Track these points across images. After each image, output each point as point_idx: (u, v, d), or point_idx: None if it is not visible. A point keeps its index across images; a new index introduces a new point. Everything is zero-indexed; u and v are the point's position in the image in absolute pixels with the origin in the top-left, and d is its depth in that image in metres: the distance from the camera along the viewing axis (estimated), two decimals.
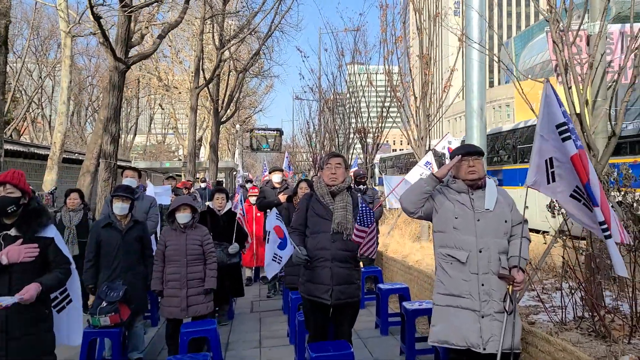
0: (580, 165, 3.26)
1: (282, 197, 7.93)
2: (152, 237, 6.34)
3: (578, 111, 7.22)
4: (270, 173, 8.36)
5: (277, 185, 8.21)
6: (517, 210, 3.64)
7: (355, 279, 4.21)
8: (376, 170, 30.48)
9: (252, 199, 9.15)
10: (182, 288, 5.30)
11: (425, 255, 9.34)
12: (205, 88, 21.89)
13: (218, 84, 21.28)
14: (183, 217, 5.42)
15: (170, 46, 29.62)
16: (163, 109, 34.80)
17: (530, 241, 3.61)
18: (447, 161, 6.80)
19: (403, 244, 9.26)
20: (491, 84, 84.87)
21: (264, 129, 40.29)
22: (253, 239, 8.86)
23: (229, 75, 22.27)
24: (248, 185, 14.24)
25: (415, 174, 8.12)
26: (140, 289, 5.36)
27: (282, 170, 8.35)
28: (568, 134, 3.28)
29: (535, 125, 3.56)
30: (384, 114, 15.86)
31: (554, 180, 3.41)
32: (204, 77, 16.55)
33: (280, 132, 39.89)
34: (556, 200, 3.63)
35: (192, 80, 29.13)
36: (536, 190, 3.50)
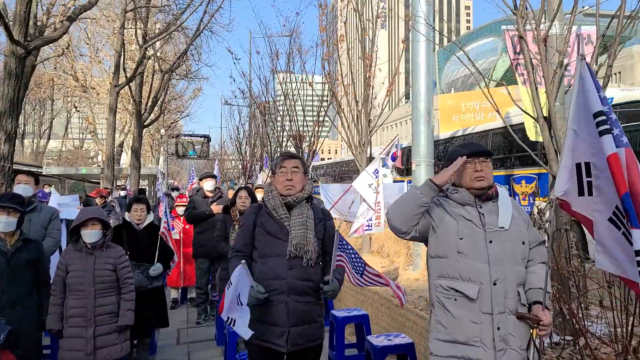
0: (619, 170, 2.44)
1: (216, 208, 6.83)
2: (54, 259, 5.07)
3: (545, 114, 6.67)
4: (200, 180, 7.22)
5: (209, 194, 7.08)
6: (533, 227, 2.81)
7: (318, 316, 3.23)
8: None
9: (180, 210, 7.95)
10: (87, 326, 4.09)
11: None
12: (127, 89, 20.20)
13: (141, 84, 19.66)
14: (91, 234, 4.22)
15: (88, 44, 27.43)
16: (78, 110, 32.18)
17: (549, 267, 2.79)
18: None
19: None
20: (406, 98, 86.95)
21: (190, 135, 38.55)
22: (180, 255, 7.67)
23: (153, 76, 20.66)
24: (174, 194, 12.87)
25: (363, 183, 7.25)
26: (32, 329, 4.12)
27: (214, 177, 7.24)
28: (607, 126, 2.45)
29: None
30: (321, 119, 15.03)
31: (590, 194, 2.55)
32: (125, 76, 15.02)
33: (207, 138, 38.30)
34: (591, 230, 2.65)
35: (112, 80, 27.15)
36: (567, 203, 2.64)
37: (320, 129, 15.06)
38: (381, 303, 5.76)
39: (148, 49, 15.04)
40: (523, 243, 2.66)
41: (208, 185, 7.05)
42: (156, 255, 5.45)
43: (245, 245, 3.23)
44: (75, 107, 30.80)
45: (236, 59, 19.93)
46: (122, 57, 14.80)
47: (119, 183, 23.40)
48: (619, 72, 53.07)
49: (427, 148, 9.28)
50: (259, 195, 9.75)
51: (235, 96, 29.91)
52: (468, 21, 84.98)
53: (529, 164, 11.11)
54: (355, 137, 11.41)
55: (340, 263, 3.75)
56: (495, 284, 2.54)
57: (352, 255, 4.21)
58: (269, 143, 20.30)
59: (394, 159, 7.60)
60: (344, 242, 4.49)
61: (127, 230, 5.48)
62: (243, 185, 5.77)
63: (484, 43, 65.21)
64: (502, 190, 2.75)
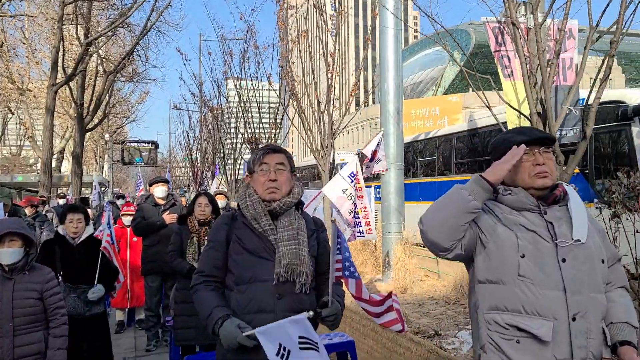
0: None
1: (169, 218, 5.92)
2: None
3: (536, 110, 6.13)
4: (150, 186, 6.26)
5: (160, 202, 6.14)
6: (607, 239, 2.12)
7: None
8: None
9: (126, 220, 6.95)
10: None
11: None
12: (68, 91, 18.73)
13: (83, 85, 18.26)
14: (7, 254, 3.26)
15: (24, 43, 25.55)
16: (12, 113, 30.00)
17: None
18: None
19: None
20: (365, 104, 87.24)
21: (137, 142, 36.94)
22: (127, 272, 6.67)
23: (96, 77, 19.26)
24: (120, 202, 11.70)
25: (335, 189, 6.46)
26: None
27: (167, 182, 6.29)
28: None
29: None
30: (278, 122, 14.21)
31: None
32: (65, 74, 13.70)
33: (155, 145, 36.76)
34: None
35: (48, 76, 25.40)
36: None
37: (278, 132, 14.25)
38: (363, 324, 5.02)
39: (91, 46, 13.78)
40: (603, 261, 1.96)
41: (159, 191, 6.10)
42: (96, 274, 4.49)
43: (217, 267, 2.40)
44: (10, 110, 28.58)
45: (186, 59, 18.92)
46: (60, 53, 13.48)
47: (60, 191, 21.71)
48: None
49: (397, 150, 8.66)
50: (220, 202, 8.90)
51: (185, 100, 28.74)
52: (415, 30, 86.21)
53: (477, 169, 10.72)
54: (318, 140, 10.69)
55: (340, 274, 3.04)
56: (574, 319, 1.83)
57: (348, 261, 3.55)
58: (221, 148, 19.30)
59: (369, 162, 6.80)
60: (343, 238, 3.77)
61: (61, 245, 4.50)
62: (202, 191, 4.88)
63: (432, 52, 66.14)
64: (571, 190, 2.04)
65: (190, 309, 4.39)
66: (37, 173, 29.72)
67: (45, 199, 10.91)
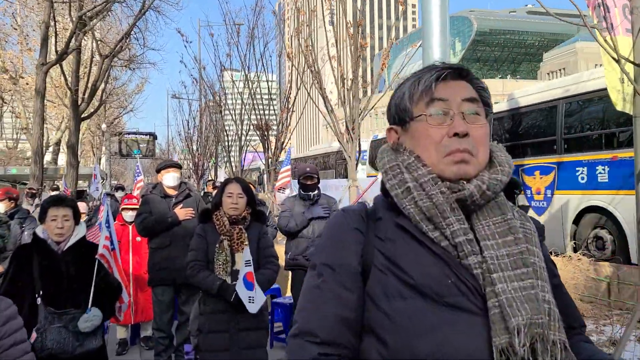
0: None
1: (183, 213, 4.59)
2: None
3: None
4: (158, 172, 4.90)
5: (171, 192, 4.79)
6: None
7: None
8: (265, 177, 27.23)
9: (128, 215, 5.61)
10: None
11: None
12: (62, 77, 17.31)
13: (78, 70, 16.82)
14: None
15: (16, 29, 24.02)
16: (6, 103, 28.49)
17: None
18: None
19: None
20: (364, 93, 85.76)
21: (135, 133, 35.72)
22: (130, 280, 5.35)
23: (91, 61, 17.84)
24: (119, 194, 10.33)
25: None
26: None
27: (179, 167, 4.94)
28: None
29: None
30: (290, 105, 12.84)
31: None
32: (56, 52, 12.25)
33: (153, 136, 35.54)
34: None
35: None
36: None
37: (289, 116, 12.88)
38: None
39: (82, 20, 12.32)
40: None
41: (170, 178, 4.74)
42: (91, 294, 3.17)
43: (346, 326, 1.08)
44: (3, 100, 27.07)
45: (187, 42, 17.47)
46: (50, 30, 12.05)
47: (57, 184, 20.32)
48: (564, 69, 53.62)
49: None
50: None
51: (185, 86, 27.18)
52: (414, 19, 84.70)
53: (544, 152, 9.35)
54: (344, 123, 9.35)
55: None
56: None
57: None
58: (225, 136, 17.91)
59: None
60: None
61: (40, 253, 3.17)
62: (232, 177, 3.54)
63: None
64: None
65: (221, 339, 3.09)
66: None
67: (34, 191, 9.55)
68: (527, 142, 9.89)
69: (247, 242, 3.30)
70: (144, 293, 5.41)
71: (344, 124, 9.30)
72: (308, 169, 4.93)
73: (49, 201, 3.25)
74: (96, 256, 3.29)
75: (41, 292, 3.08)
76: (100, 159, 38.01)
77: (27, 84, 21.80)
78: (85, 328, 3.05)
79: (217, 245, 3.30)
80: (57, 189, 10.58)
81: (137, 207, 5.35)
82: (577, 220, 8.75)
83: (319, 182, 4.97)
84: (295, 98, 12.61)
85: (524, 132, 10.05)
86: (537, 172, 9.50)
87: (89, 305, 3.13)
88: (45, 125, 29.56)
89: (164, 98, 53.98)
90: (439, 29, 7.29)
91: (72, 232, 3.24)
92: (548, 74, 56.08)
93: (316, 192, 4.95)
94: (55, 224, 3.16)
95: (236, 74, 15.88)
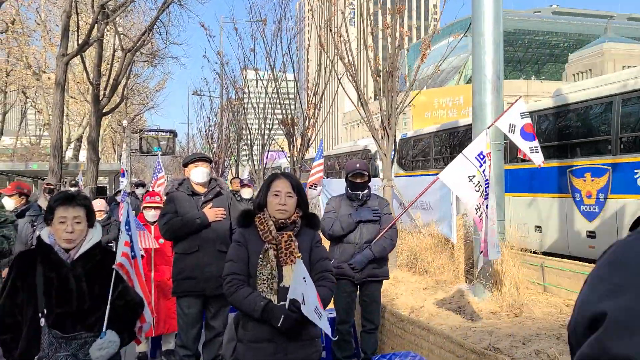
0: None
1: (213, 213, 3.97)
2: None
3: None
4: (185, 167, 4.27)
5: (199, 190, 4.17)
6: None
7: None
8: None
9: (150, 214, 5.01)
10: None
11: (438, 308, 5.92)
12: (84, 73, 16.89)
13: (99, 64, 16.39)
14: None
15: (39, 24, 23.79)
16: (27, 97, 28.34)
17: None
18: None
19: (413, 290, 5.67)
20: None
21: (155, 130, 35.56)
22: (151, 288, 4.75)
23: (113, 55, 17.42)
24: (140, 192, 9.78)
25: (458, 176, 4.42)
26: None
27: (209, 161, 4.31)
28: None
29: None
30: (317, 101, 12.18)
31: None
32: (78, 43, 11.73)
33: (174, 133, 35.33)
34: None
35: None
36: None
37: (317, 112, 12.22)
38: (441, 345, 3.08)
39: (105, 9, 11.79)
40: None
41: (199, 174, 4.12)
42: (106, 314, 2.55)
43: None
44: (25, 94, 26.92)
45: (210, 36, 16.92)
46: (72, 20, 11.55)
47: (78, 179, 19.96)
48: (590, 70, 52.18)
49: (496, 130, 6.59)
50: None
51: (207, 82, 26.66)
52: (435, 19, 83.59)
53: (596, 152, 8.55)
54: (376, 118, 8.68)
55: None
56: None
57: None
58: (248, 132, 17.33)
59: (528, 136, 4.73)
60: None
61: (45, 261, 2.56)
62: (280, 172, 2.87)
63: (454, 40, 63.72)
64: None
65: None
66: None
67: (52, 187, 9.04)
68: (576, 141, 9.07)
69: (298, 253, 2.66)
70: (167, 301, 4.80)
71: (379, 119, 8.62)
72: (358, 165, 4.27)
73: (57, 199, 2.64)
74: (114, 266, 2.68)
75: (45, 311, 2.48)
76: (120, 156, 37.85)
77: (49, 79, 21.50)
78: (99, 358, 2.44)
79: (260, 256, 2.65)
80: (76, 184, 10.06)
81: (161, 205, 4.76)
82: (634, 228, 7.96)
83: (369, 180, 4.31)
84: (323, 93, 11.95)
85: (572, 130, 9.25)
86: (587, 174, 8.69)
87: (104, 328, 2.52)
88: (67, 121, 29.46)
89: (185, 95, 53.82)
90: (492, 15, 6.57)
91: (85, 237, 2.63)
92: (574, 75, 54.65)
93: (366, 191, 4.29)
94: (64, 227, 2.55)
95: (260, 72, 15.27)
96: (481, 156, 4.37)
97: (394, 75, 8.22)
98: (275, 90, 13.76)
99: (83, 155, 33.61)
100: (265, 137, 16.07)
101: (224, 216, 4.08)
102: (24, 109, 46.25)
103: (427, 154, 14.02)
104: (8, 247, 3.80)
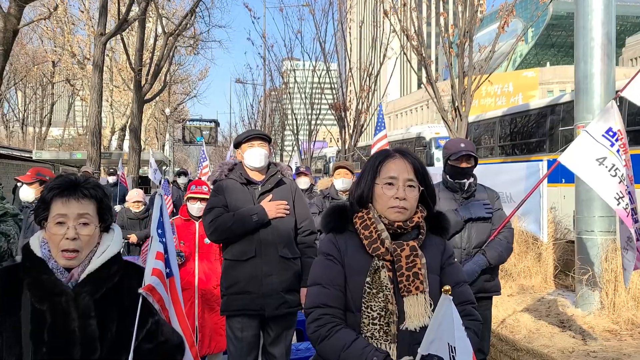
0: None
1: (274, 208, 3.03)
2: None
3: None
4: (238, 147, 3.29)
5: (256, 177, 3.19)
6: None
7: None
8: (332, 165, 25.53)
9: (196, 208, 4.07)
10: None
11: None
12: (125, 57, 16.32)
13: (141, 49, 15.75)
14: None
15: (82, 11, 23.51)
16: (72, 85, 28.26)
17: None
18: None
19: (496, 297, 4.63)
20: (419, 84, 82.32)
21: (198, 120, 35.49)
22: (195, 297, 3.85)
23: (155, 40, 16.80)
24: (182, 181, 8.95)
25: (583, 158, 3.31)
26: None
27: (267, 139, 3.31)
28: None
29: None
30: (371, 82, 11.08)
31: None
32: (118, 17, 10.87)
33: (216, 123, 35.19)
34: None
35: (111, 50, 23.21)
36: None
37: (372, 94, 11.13)
38: None
39: None
40: None
41: (256, 156, 3.13)
42: (132, 345, 1.61)
43: None
44: (70, 83, 26.84)
45: (255, 17, 16.01)
46: None
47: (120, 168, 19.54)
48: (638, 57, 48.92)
49: (605, 100, 5.37)
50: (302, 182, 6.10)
51: (250, 68, 25.95)
52: (480, 5, 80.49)
53: None
54: (448, 99, 7.56)
55: None
56: None
57: None
58: (293, 119, 16.39)
59: None
60: None
61: (35, 286, 1.63)
62: (393, 150, 1.83)
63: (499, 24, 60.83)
64: None
65: None
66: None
67: (89, 174, 8.32)
68: None
69: (425, 276, 1.65)
70: (213, 314, 3.88)
71: (450, 99, 7.52)
72: (463, 145, 3.20)
73: (53, 187, 1.69)
74: (140, 290, 1.73)
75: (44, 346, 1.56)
76: (163, 146, 37.78)
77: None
78: None
79: (367, 280, 1.65)
80: (115, 172, 9.37)
81: (207, 196, 3.83)
82: None
83: (476, 165, 3.24)
84: (378, 73, 10.86)
85: None
86: None
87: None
88: (111, 111, 29.33)
89: (228, 83, 53.74)
90: None
91: (96, 248, 1.69)
92: (631, 59, 51.30)
93: (472, 180, 3.22)
94: (64, 230, 1.62)
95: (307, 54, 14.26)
96: (611, 133, 3.23)
97: (470, 46, 7.07)
98: (323, 74, 12.73)
99: (127, 145, 33.57)
100: (312, 123, 15.09)
101: (288, 211, 3.11)
102: (71, 100, 46.95)
103: (491, 141, 12.73)
104: (7, 247, 2.95)
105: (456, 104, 7.35)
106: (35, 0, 12.54)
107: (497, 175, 7.47)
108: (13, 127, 45.89)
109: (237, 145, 3.29)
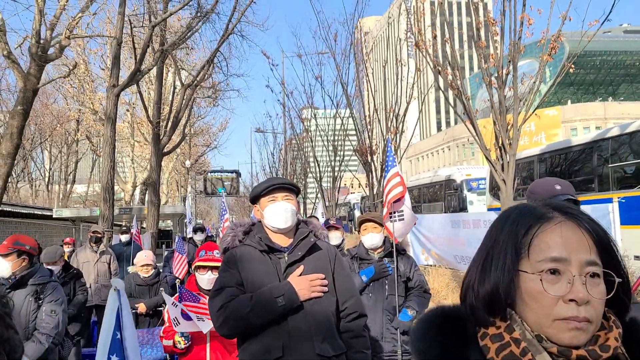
0: None
1: (307, 285, 2.10)
2: None
3: None
4: (255, 201, 2.44)
5: (281, 241, 2.32)
6: None
7: None
8: (356, 213, 24.60)
9: (205, 280, 3.19)
10: None
11: None
12: (144, 113, 15.98)
13: (159, 102, 15.37)
14: None
15: (103, 69, 23.58)
16: (92, 142, 28.23)
17: None
18: None
19: None
20: (448, 124, 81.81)
21: (219, 171, 35.20)
22: None
23: (173, 92, 16.46)
24: (199, 237, 8.11)
25: None
26: None
27: (296, 190, 2.45)
28: None
29: None
30: (398, 122, 10.30)
31: None
32: (136, 63, 10.35)
33: (237, 174, 34.80)
34: None
35: (131, 105, 23.08)
36: None
37: (399, 135, 10.34)
38: None
39: (157, 28, 10.56)
40: None
41: (280, 213, 2.22)
42: None
43: None
44: (89, 139, 26.78)
45: (273, 65, 15.60)
46: (122, 48, 10.43)
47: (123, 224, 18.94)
48: None
49: None
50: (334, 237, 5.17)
51: (269, 116, 25.60)
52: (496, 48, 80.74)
53: None
54: (492, 135, 6.70)
55: None
56: None
57: None
58: (316, 165, 15.66)
59: None
60: None
61: None
62: (542, 207, 0.99)
63: (520, 65, 60.61)
64: None
65: None
66: (120, 206, 27.77)
67: (100, 235, 7.56)
68: None
69: None
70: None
71: (493, 136, 6.67)
72: (559, 187, 2.31)
73: None
74: None
75: None
76: (184, 199, 37.44)
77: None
78: None
79: None
80: (127, 230, 8.63)
81: (218, 265, 2.96)
82: None
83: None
84: (405, 113, 10.11)
85: None
86: None
87: None
88: (132, 165, 29.16)
89: (248, 133, 53.94)
90: None
91: None
92: None
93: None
94: None
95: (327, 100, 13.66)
96: None
97: (515, 76, 6.28)
98: (345, 119, 12.04)
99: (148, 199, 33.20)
100: (336, 169, 14.32)
101: (326, 288, 2.23)
102: (94, 157, 47.40)
103: (529, 180, 11.71)
104: None
105: (500, 141, 6.48)
106: (55, 60, 12.28)
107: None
108: (39, 185, 46.34)
109: (255, 199, 2.45)
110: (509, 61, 6.38)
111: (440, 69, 7.03)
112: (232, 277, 2.24)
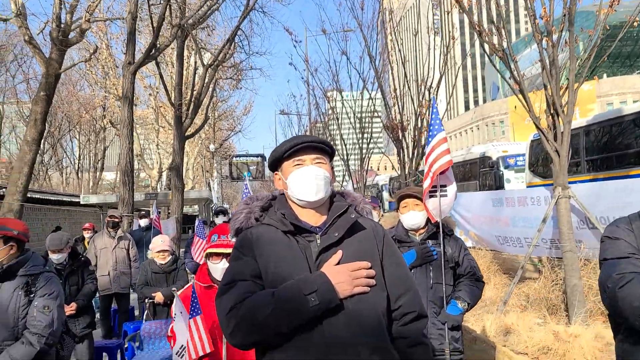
0: None
1: (347, 276, 1.46)
2: None
3: None
4: (275, 167, 1.87)
5: (311, 219, 1.74)
6: None
7: None
8: (385, 195, 23.78)
9: (216, 269, 2.66)
10: None
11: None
12: (166, 96, 15.56)
13: (180, 84, 14.90)
14: None
15: (125, 54, 23.26)
16: (114, 127, 28.09)
17: None
18: None
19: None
20: (476, 103, 79.72)
21: (244, 156, 34.93)
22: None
23: (194, 73, 15.98)
24: (220, 220, 7.59)
25: None
26: None
27: (329, 152, 1.86)
28: None
29: None
30: (431, 95, 9.57)
31: None
32: (151, 46, 9.80)
33: (263, 157, 34.50)
34: None
35: (154, 89, 22.78)
36: None
37: (428, 109, 9.59)
38: None
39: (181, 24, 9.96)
40: None
41: (308, 180, 1.70)
42: None
43: None
44: (113, 125, 26.62)
45: (296, 41, 14.90)
46: (137, 23, 9.91)
47: (162, 208, 18.64)
48: None
49: None
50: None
51: (294, 96, 25.00)
52: (526, 22, 77.81)
53: None
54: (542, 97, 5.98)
55: None
56: None
57: None
58: (343, 146, 15.02)
59: None
60: None
61: None
62: None
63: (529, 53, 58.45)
64: None
65: None
66: (147, 193, 27.62)
67: (117, 219, 7.13)
68: None
69: None
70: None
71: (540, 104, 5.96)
72: None
73: None
74: None
75: None
76: (209, 183, 37.29)
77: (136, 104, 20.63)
78: None
79: None
80: (147, 215, 8.17)
81: (230, 251, 2.39)
82: None
83: None
84: (438, 85, 9.37)
85: None
86: None
87: None
88: (157, 150, 29.00)
89: (272, 117, 53.54)
90: None
91: None
92: None
93: None
94: None
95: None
96: None
97: (571, 32, 5.52)
98: (373, 94, 11.33)
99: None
100: (364, 148, 13.65)
101: (373, 281, 1.63)
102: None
103: (575, 155, 10.85)
104: None
105: (554, 107, 5.75)
106: (76, 44, 11.90)
107: (623, 194, 5.75)
108: (70, 173, 46.89)
109: (275, 164, 1.86)
110: (564, 15, 5.62)
111: (481, 30, 6.30)
112: (246, 266, 1.66)
